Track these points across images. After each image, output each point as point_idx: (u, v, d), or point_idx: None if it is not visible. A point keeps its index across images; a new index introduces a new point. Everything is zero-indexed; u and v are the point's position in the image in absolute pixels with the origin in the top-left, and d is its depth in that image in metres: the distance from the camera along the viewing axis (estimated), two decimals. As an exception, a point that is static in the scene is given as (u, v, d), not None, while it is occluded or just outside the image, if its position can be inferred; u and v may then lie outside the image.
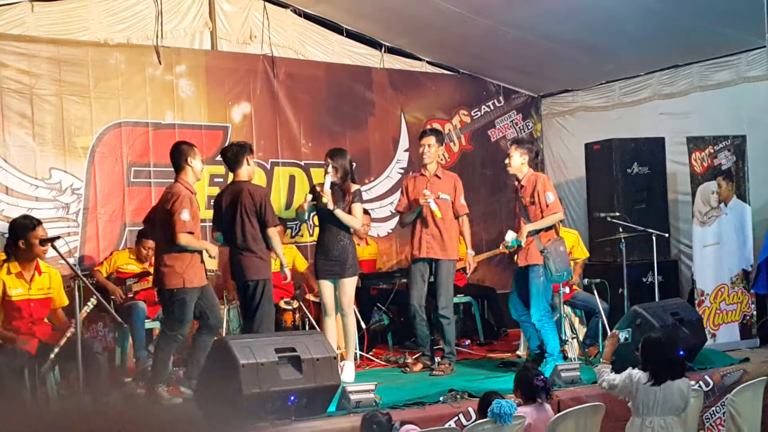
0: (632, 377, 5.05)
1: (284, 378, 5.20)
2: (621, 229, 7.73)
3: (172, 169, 6.12)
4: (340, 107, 9.20)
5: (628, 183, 8.74)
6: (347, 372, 6.60)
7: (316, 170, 8.58)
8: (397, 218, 7.27)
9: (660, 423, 4.97)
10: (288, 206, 8.83)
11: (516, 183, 7.17)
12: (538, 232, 6.92)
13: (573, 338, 7.32)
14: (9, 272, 5.81)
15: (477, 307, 8.87)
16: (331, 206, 6.59)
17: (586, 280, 7.75)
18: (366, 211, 8.46)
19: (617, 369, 5.28)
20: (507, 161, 7.10)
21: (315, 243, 7.18)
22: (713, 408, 6.51)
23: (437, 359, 7.12)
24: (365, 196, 8.44)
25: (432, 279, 7.08)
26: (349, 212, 6.72)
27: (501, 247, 8.00)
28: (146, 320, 7.16)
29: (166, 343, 6.12)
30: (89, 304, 5.58)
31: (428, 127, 8.53)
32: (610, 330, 6.48)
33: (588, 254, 8.31)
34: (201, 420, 1.72)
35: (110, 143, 7.84)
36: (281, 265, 6.64)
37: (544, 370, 6.07)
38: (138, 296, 7.27)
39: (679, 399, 5.03)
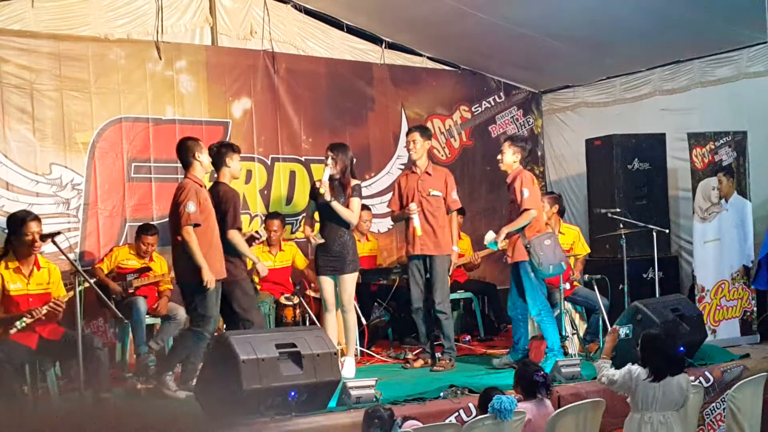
0: (632, 373, 5.06)
1: (285, 373, 5.20)
2: (621, 225, 7.72)
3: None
4: (341, 103, 9.20)
5: (628, 179, 8.74)
6: (348, 368, 6.60)
7: (317, 166, 8.59)
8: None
9: (659, 418, 4.98)
10: (288, 201, 8.83)
11: (507, 180, 7.17)
12: (517, 231, 6.88)
13: (573, 334, 7.31)
14: (7, 267, 5.80)
15: (477, 303, 8.87)
16: (328, 197, 6.60)
17: (586, 276, 7.75)
18: (367, 207, 8.47)
19: (617, 365, 5.28)
20: (499, 157, 7.09)
21: (315, 239, 7.17)
22: (713, 404, 6.51)
23: (437, 355, 7.12)
24: (366, 192, 8.45)
25: (428, 275, 7.09)
26: (348, 207, 6.72)
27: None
28: (146, 316, 7.17)
29: (193, 341, 6.09)
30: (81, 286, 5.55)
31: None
32: (611, 326, 6.48)
33: (589, 250, 8.30)
34: (202, 415, 1.73)
35: (110, 139, 7.84)
36: (253, 263, 6.61)
37: (543, 365, 6.08)
38: (138, 292, 7.27)
39: (679, 394, 5.04)
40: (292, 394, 5.19)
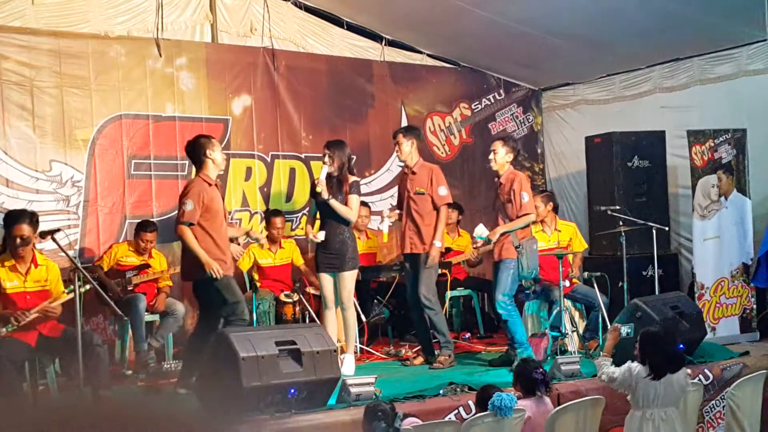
0: (632, 371, 5.06)
1: (284, 371, 5.20)
2: (621, 223, 7.73)
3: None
4: (341, 100, 9.20)
5: (628, 176, 8.74)
6: (347, 365, 6.60)
7: (316, 163, 8.57)
8: (397, 212, 7.31)
9: (660, 415, 4.98)
10: (288, 199, 8.83)
11: (495, 180, 7.17)
12: (510, 231, 6.93)
13: (573, 332, 7.31)
14: (3, 265, 5.78)
15: (477, 300, 8.87)
16: (325, 195, 6.60)
17: (586, 274, 7.75)
18: (366, 204, 8.46)
19: (618, 362, 5.28)
20: (491, 156, 7.09)
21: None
22: (713, 402, 6.51)
23: (436, 351, 7.12)
24: (366, 189, 8.45)
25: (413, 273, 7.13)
26: (346, 204, 6.72)
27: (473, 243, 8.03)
28: (146, 313, 7.17)
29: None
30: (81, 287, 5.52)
31: None
32: (610, 323, 6.48)
33: (586, 246, 8.31)
34: (201, 413, 1.72)
35: (110, 136, 7.84)
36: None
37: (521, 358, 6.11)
38: (138, 289, 7.27)
39: (679, 390, 5.06)
40: (292, 391, 5.20)
